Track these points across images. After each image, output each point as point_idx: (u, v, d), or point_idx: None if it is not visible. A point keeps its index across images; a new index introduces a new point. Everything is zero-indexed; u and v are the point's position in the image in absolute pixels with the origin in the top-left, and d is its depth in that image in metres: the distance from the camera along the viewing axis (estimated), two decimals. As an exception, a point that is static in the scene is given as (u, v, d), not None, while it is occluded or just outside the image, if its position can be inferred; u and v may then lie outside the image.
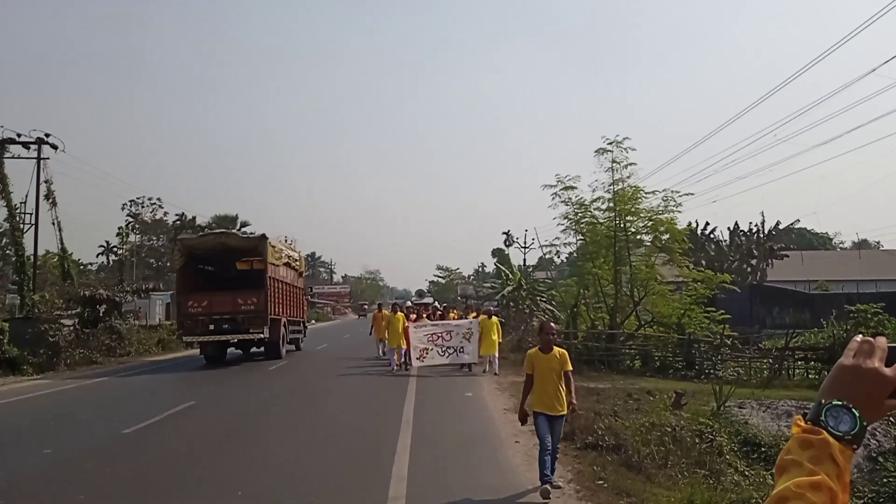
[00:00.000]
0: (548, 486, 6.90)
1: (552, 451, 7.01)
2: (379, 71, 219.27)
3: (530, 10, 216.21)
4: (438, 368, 18.61)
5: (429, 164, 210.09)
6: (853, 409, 1.09)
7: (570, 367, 7.38)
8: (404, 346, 19.10)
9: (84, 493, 7.29)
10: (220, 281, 23.55)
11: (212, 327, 21.68)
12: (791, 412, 14.73)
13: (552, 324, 7.97)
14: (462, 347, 18.67)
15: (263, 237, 23.37)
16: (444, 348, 18.65)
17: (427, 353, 18.52)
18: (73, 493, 7.29)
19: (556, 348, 7.32)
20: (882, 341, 1.16)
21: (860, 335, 1.20)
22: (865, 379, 1.12)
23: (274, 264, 23.30)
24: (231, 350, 23.91)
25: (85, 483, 7.74)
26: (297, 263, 27.76)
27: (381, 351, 22.68)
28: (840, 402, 1.10)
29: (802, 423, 1.12)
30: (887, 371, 1.12)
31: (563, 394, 7.18)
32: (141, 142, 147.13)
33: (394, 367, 18.97)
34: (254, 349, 24.23)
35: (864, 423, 1.09)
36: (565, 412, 7.26)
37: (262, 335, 22.08)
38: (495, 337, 18.66)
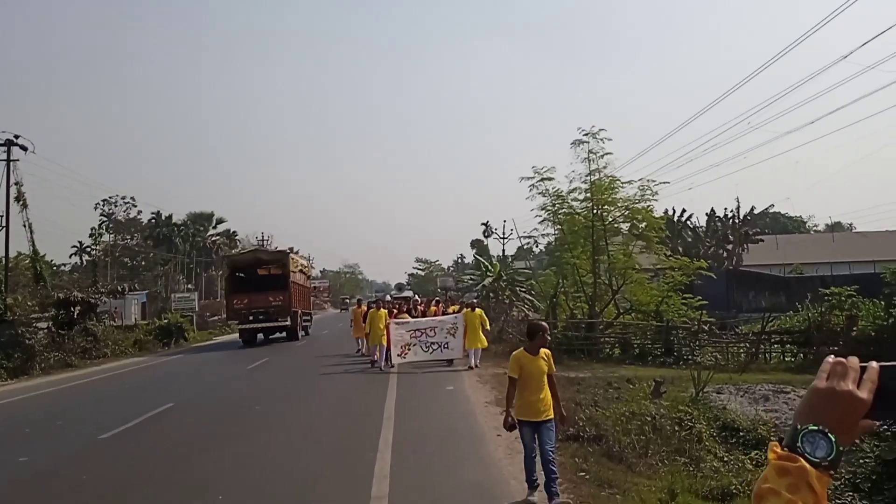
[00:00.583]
0: (534, 499, 6.60)
1: (548, 460, 6.44)
2: (359, 64, 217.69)
3: (508, 4, 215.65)
4: (419, 363, 18.22)
5: (407, 157, 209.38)
6: (829, 434, 1.07)
7: (555, 370, 6.91)
8: (385, 344, 18.42)
9: (60, 501, 7.18)
10: (255, 284, 30.26)
11: (250, 318, 29.15)
12: (768, 396, 14.93)
13: (544, 323, 7.33)
14: (447, 343, 18.19)
15: (286, 252, 33.14)
16: (427, 344, 18.13)
17: (409, 350, 17.98)
18: (51, 502, 7.17)
19: (542, 349, 6.81)
20: (855, 361, 1.14)
21: (832, 356, 1.18)
22: (840, 402, 1.10)
23: (293, 271, 31.07)
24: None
25: (62, 492, 7.62)
26: (307, 270, 36.62)
27: (360, 348, 22.32)
28: (816, 427, 1.08)
29: (778, 450, 1.10)
30: (861, 393, 1.10)
31: (548, 398, 6.68)
32: (112, 140, 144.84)
33: (380, 365, 18.30)
34: (276, 335, 31.21)
35: (841, 448, 1.07)
36: (552, 416, 6.67)
37: (286, 323, 29.65)
38: (480, 329, 18.22)
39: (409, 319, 19.62)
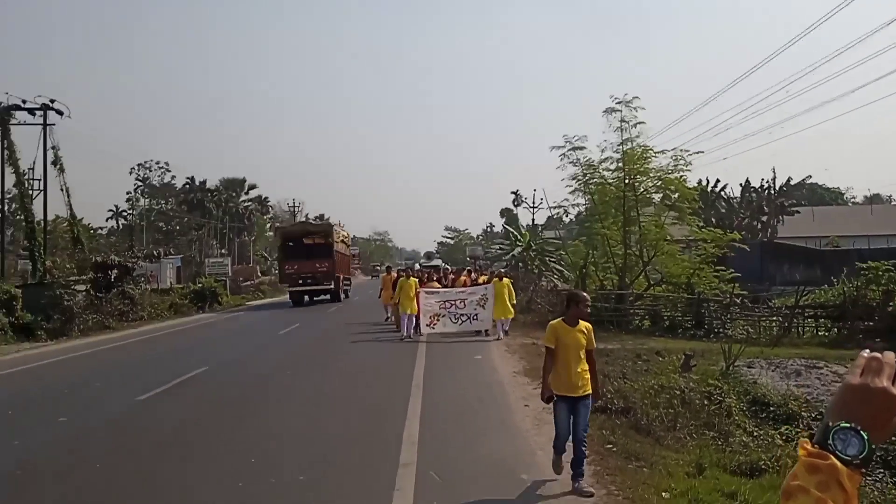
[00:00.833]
0: (561, 469, 6.39)
1: (580, 439, 6.19)
2: (385, 31, 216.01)
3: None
4: (448, 333, 18.21)
5: (437, 125, 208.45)
6: (861, 432, 1.06)
7: (594, 345, 6.55)
8: (415, 312, 18.28)
9: (100, 462, 7.42)
10: (303, 252, 33.84)
11: (299, 282, 33.39)
12: (800, 371, 14.77)
13: (586, 295, 6.71)
14: (476, 314, 18.06)
15: (331, 225, 37.57)
16: (456, 315, 18.00)
17: (438, 320, 17.90)
18: (89, 462, 7.42)
19: (581, 322, 6.40)
20: (890, 357, 1.11)
21: (867, 350, 1.16)
22: (874, 399, 1.08)
23: (336, 241, 35.13)
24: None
25: (100, 451, 7.87)
26: (347, 240, 40.92)
27: (389, 315, 22.29)
28: (848, 425, 1.06)
29: (809, 446, 1.08)
30: None
31: (586, 372, 6.37)
32: (146, 107, 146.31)
33: (404, 335, 18.09)
34: (321, 297, 35.11)
35: (873, 447, 1.05)
36: (589, 391, 6.37)
37: (330, 287, 33.88)
38: (508, 300, 18.17)
39: (439, 289, 19.54)
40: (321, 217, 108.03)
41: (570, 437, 6.26)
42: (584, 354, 6.37)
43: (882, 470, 7.50)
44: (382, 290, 22.94)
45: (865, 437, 1.05)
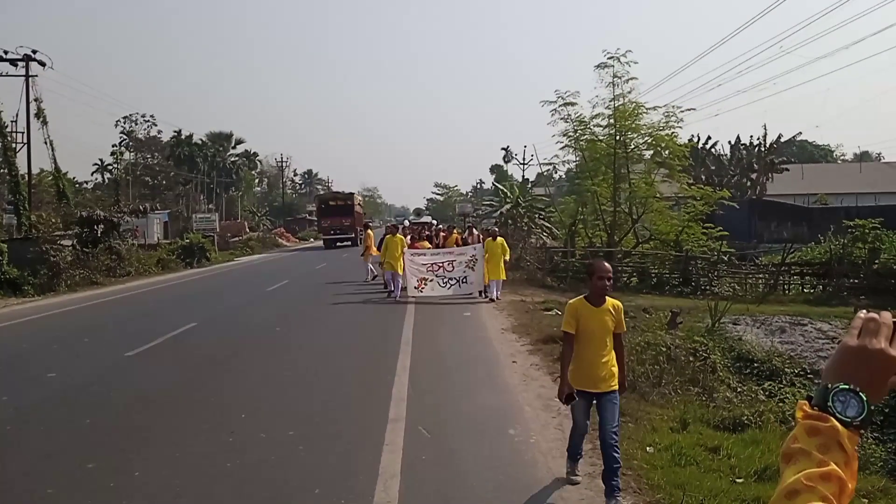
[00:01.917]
0: (577, 477, 5.45)
1: (610, 444, 5.01)
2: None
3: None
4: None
5: (427, 80, 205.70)
6: (860, 393, 1.06)
7: (624, 328, 5.43)
8: (400, 272, 17.48)
9: (89, 417, 7.45)
10: (333, 212, 47.98)
11: (332, 232, 47.59)
12: (785, 328, 14.97)
13: (606, 264, 5.30)
14: (465, 277, 17.16)
15: (352, 193, 51.78)
16: (445, 279, 17.14)
17: (426, 284, 17.10)
18: (79, 417, 7.45)
19: (609, 300, 5.24)
20: (887, 317, 1.11)
21: (864, 311, 1.15)
22: (872, 360, 1.08)
23: (355, 204, 49.43)
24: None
25: (90, 406, 7.89)
26: (362, 203, 58.11)
27: (374, 274, 21.93)
28: (847, 386, 1.06)
29: (807, 408, 1.08)
30: (894, 351, 1.08)
31: (613, 363, 5.24)
32: (131, 58, 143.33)
33: (396, 295, 17.39)
34: (344, 244, 46.82)
35: (871, 407, 1.05)
36: (616, 387, 5.22)
37: (351, 236, 46.24)
38: (502, 260, 17.25)
39: (426, 251, 18.49)
40: (309, 173, 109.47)
41: (600, 443, 5.18)
42: (611, 340, 5.24)
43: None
44: (365, 249, 22.59)
45: (864, 399, 1.05)
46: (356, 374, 9.43)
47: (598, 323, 5.17)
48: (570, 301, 5.45)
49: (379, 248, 19.66)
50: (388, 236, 18.17)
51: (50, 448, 6.47)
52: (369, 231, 23.46)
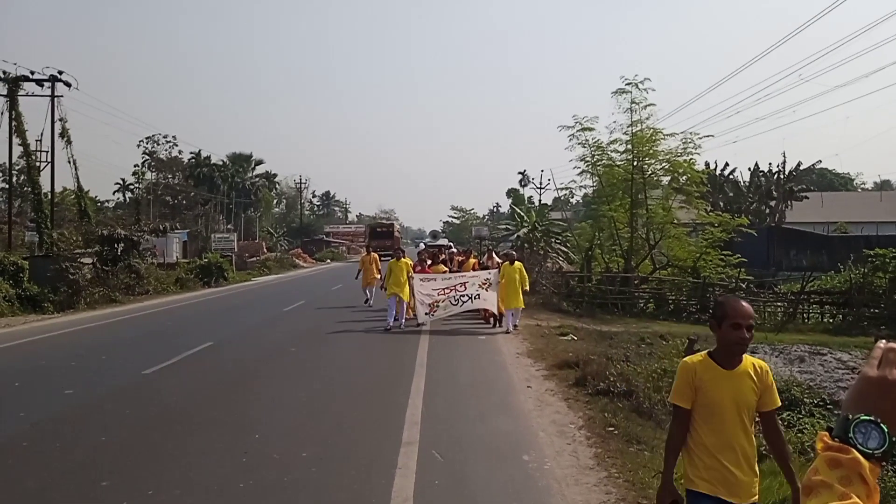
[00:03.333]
0: None
1: None
2: (394, 8, 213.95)
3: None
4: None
5: (444, 104, 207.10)
6: (881, 425, 1.05)
7: (777, 402, 3.49)
8: (406, 300, 16.36)
9: (105, 435, 7.48)
10: (379, 235, 54.85)
11: (378, 250, 46.38)
12: (804, 357, 14.78)
13: (745, 304, 3.44)
14: (478, 294, 16.04)
15: (392, 223, 77.56)
16: (456, 297, 16.02)
17: (437, 307, 15.99)
18: (95, 434, 7.48)
19: (748, 358, 3.46)
20: None
21: (884, 341, 1.15)
22: (893, 391, 1.07)
23: (395, 230, 63.62)
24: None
25: (106, 424, 7.93)
26: (398, 230, 68.28)
27: (369, 299, 21.10)
28: (868, 418, 1.05)
29: (828, 440, 1.07)
30: None
31: (754, 458, 3.43)
32: (153, 81, 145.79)
33: (401, 323, 16.18)
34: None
35: (893, 439, 1.04)
36: (756, 498, 3.40)
37: (391, 253, 44.07)
38: (520, 286, 15.74)
39: (436, 276, 17.32)
40: (327, 194, 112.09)
41: None
42: (751, 420, 3.43)
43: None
44: (361, 272, 21.46)
45: (885, 430, 1.04)
46: (370, 396, 9.41)
47: (731, 393, 3.37)
48: (686, 359, 3.62)
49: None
50: (392, 261, 16.92)
51: (65, 465, 6.50)
52: (373, 255, 22.11)
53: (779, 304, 21.21)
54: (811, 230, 41.49)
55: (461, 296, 16.06)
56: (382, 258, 52.36)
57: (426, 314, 15.95)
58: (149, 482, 5.96)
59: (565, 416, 8.23)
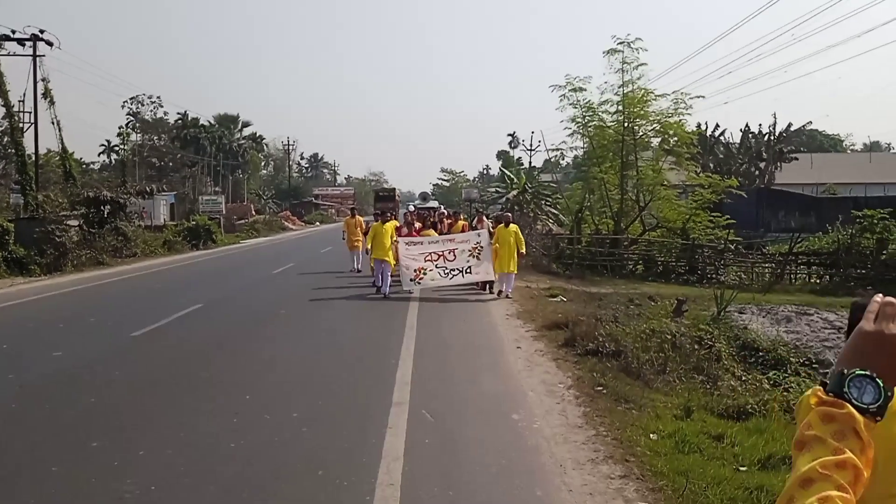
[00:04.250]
0: None
1: None
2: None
3: None
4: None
5: (434, 64, 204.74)
6: (877, 379, 1.03)
7: None
8: (391, 263, 15.50)
9: (95, 396, 7.47)
10: (382, 199, 50.83)
11: (380, 213, 42.71)
12: (791, 317, 14.94)
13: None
14: (469, 267, 15.10)
15: (394, 188, 65.85)
16: (446, 270, 15.12)
17: (424, 274, 15.08)
18: (84, 396, 7.47)
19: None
20: None
21: (880, 295, 1.12)
22: (889, 345, 1.05)
23: (396, 195, 59.57)
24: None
25: (95, 386, 7.92)
26: (398, 195, 66.03)
27: (356, 265, 20.79)
28: (864, 372, 1.03)
29: (822, 395, 1.05)
30: None
31: None
32: (137, 40, 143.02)
33: (385, 291, 15.31)
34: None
35: (889, 394, 1.02)
36: None
37: (394, 214, 48.03)
38: (515, 251, 15.10)
39: (422, 238, 16.47)
40: (315, 156, 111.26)
41: None
42: None
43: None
44: (347, 235, 21.42)
45: (881, 385, 1.02)
46: (360, 358, 9.44)
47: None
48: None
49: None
50: (374, 224, 16.22)
51: (55, 426, 6.50)
52: (357, 217, 21.99)
53: (767, 265, 21.36)
54: (800, 191, 41.63)
55: (451, 269, 15.14)
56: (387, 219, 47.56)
57: (411, 280, 15.05)
58: (139, 443, 5.97)
59: (554, 376, 8.28)
